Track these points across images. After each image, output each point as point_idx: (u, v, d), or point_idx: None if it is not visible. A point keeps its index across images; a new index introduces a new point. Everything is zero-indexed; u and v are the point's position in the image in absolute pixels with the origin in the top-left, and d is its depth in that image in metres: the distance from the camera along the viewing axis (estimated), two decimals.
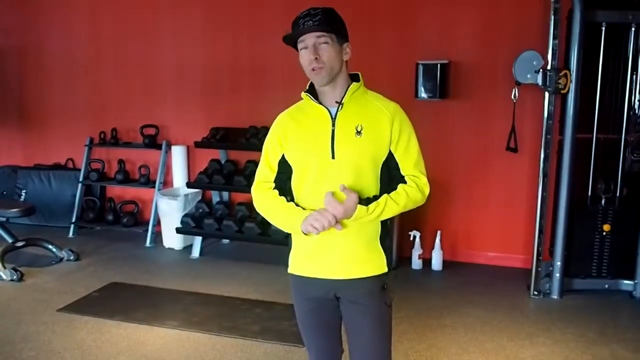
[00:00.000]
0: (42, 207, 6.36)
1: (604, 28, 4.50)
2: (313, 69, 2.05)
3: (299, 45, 2.08)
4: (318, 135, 2.10)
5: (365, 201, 2.06)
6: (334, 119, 2.09)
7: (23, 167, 6.99)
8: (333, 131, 2.08)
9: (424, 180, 2.15)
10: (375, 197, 2.08)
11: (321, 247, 2.12)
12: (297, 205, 2.14)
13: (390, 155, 2.12)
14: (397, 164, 2.13)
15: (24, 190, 6.84)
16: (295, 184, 2.17)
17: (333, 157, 2.08)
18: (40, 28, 6.79)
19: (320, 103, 2.12)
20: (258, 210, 2.24)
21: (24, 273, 5.03)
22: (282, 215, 2.15)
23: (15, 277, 4.91)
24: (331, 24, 2.06)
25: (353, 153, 2.07)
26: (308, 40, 2.04)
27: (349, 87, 2.11)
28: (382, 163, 2.12)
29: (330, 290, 2.17)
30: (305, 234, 2.07)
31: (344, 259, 2.13)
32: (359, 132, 2.07)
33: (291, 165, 2.16)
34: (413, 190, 2.12)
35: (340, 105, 2.10)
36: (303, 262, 2.20)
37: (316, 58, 2.03)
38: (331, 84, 2.09)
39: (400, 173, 2.14)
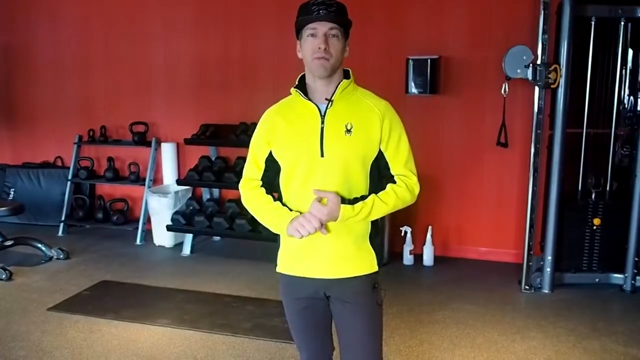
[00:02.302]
0: (31, 205, 6.32)
1: (593, 22, 4.51)
2: (318, 58, 2.00)
3: (307, 32, 2.02)
4: (307, 132, 2.07)
5: (352, 201, 2.04)
6: (323, 117, 2.06)
7: (11, 165, 6.94)
8: (322, 129, 2.05)
9: (414, 180, 2.12)
10: (363, 197, 2.06)
11: (311, 246, 2.09)
12: (284, 205, 2.11)
13: (380, 154, 2.10)
14: (387, 163, 2.11)
15: (13, 189, 6.79)
16: (283, 181, 2.15)
17: (322, 156, 2.05)
18: (28, 25, 6.73)
19: (310, 99, 2.09)
20: (246, 207, 2.22)
21: (13, 272, 4.99)
22: (269, 216, 2.13)
23: (4, 276, 4.88)
24: (344, 18, 2.04)
25: (342, 152, 2.05)
26: (320, 28, 1.99)
27: (339, 83, 2.09)
28: (371, 162, 2.09)
29: (320, 289, 2.16)
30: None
31: (334, 258, 2.11)
32: (348, 131, 2.05)
33: (279, 162, 2.14)
34: (402, 190, 2.09)
35: (330, 103, 2.07)
36: (292, 262, 2.18)
37: (325, 48, 1.99)
38: (328, 78, 2.06)
39: (390, 172, 2.12)
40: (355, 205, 2.02)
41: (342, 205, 2.00)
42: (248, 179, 2.20)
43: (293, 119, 2.11)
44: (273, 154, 2.13)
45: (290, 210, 2.08)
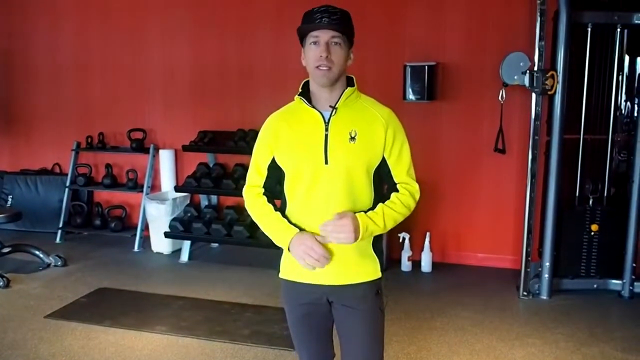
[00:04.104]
0: (28, 212, 6.30)
1: (590, 29, 4.53)
2: (320, 67, 2.00)
3: (309, 39, 2.02)
4: (311, 140, 2.06)
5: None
6: (327, 124, 2.06)
7: (9, 172, 6.93)
8: (326, 136, 2.05)
9: (415, 187, 2.14)
10: (371, 210, 2.07)
11: None
12: (286, 215, 2.12)
13: (383, 162, 2.10)
14: (389, 170, 2.11)
15: (10, 196, 6.78)
16: (287, 188, 2.14)
17: (326, 163, 2.04)
18: (26, 31, 6.73)
19: (313, 107, 2.09)
20: (249, 213, 2.23)
21: (11, 279, 4.98)
22: (270, 227, 2.14)
23: (1, 283, 4.86)
24: (347, 26, 2.04)
25: (347, 159, 2.04)
26: (322, 36, 1.99)
27: (343, 91, 2.09)
28: (375, 169, 2.10)
29: (323, 295, 2.15)
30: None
31: (338, 264, 2.09)
32: (352, 138, 2.05)
33: (283, 169, 2.13)
34: (406, 198, 2.11)
35: (334, 110, 2.07)
36: (295, 267, 2.15)
37: (327, 56, 1.99)
38: (331, 86, 2.06)
39: (392, 180, 2.12)
40: (368, 212, 2.04)
41: (357, 214, 2.01)
42: (250, 185, 2.20)
43: (296, 125, 2.11)
44: (277, 160, 2.13)
45: (291, 222, 2.09)
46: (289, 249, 2.07)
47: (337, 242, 2.00)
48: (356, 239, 1.99)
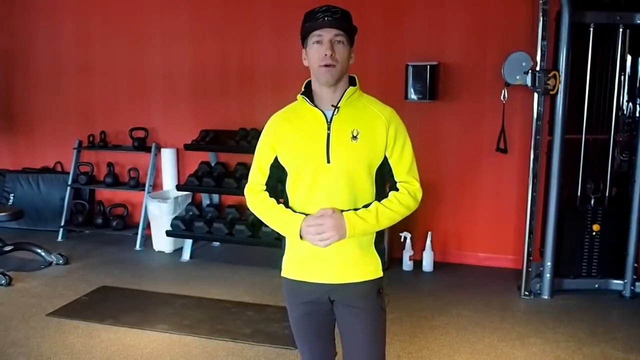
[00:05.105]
0: (30, 211, 6.32)
1: (592, 29, 4.52)
2: (325, 65, 2.00)
3: (312, 39, 2.03)
4: (313, 139, 2.07)
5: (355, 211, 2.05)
6: (329, 123, 2.07)
7: (11, 170, 6.94)
8: (329, 135, 2.06)
9: (416, 186, 2.14)
10: (366, 207, 2.07)
11: (316, 251, 2.08)
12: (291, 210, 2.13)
13: (385, 161, 2.10)
14: (391, 169, 2.12)
15: (12, 194, 6.78)
16: (289, 187, 2.15)
17: (328, 162, 2.05)
18: (27, 31, 6.74)
19: (316, 106, 2.10)
20: (252, 211, 2.23)
21: (13, 277, 4.99)
22: (275, 218, 2.14)
23: (3, 281, 4.87)
24: (349, 24, 2.05)
25: (348, 158, 2.05)
26: (325, 35, 2.00)
27: (346, 90, 2.09)
28: (377, 168, 2.10)
29: (325, 293, 2.16)
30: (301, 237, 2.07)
31: (340, 263, 2.11)
32: (354, 137, 2.05)
33: (285, 168, 2.14)
34: (405, 197, 2.10)
35: (336, 109, 2.07)
36: (297, 266, 2.18)
37: (332, 54, 1.99)
38: (334, 85, 2.06)
39: (393, 179, 2.13)
40: (358, 211, 2.04)
41: (345, 213, 2.02)
42: (253, 184, 2.21)
43: (299, 125, 2.12)
44: (279, 159, 2.14)
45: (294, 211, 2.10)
46: (300, 236, 2.06)
47: (323, 245, 2.01)
48: (341, 236, 2.00)
